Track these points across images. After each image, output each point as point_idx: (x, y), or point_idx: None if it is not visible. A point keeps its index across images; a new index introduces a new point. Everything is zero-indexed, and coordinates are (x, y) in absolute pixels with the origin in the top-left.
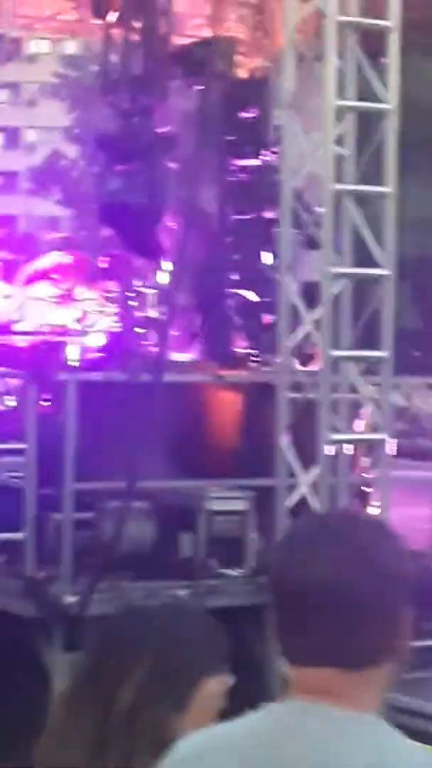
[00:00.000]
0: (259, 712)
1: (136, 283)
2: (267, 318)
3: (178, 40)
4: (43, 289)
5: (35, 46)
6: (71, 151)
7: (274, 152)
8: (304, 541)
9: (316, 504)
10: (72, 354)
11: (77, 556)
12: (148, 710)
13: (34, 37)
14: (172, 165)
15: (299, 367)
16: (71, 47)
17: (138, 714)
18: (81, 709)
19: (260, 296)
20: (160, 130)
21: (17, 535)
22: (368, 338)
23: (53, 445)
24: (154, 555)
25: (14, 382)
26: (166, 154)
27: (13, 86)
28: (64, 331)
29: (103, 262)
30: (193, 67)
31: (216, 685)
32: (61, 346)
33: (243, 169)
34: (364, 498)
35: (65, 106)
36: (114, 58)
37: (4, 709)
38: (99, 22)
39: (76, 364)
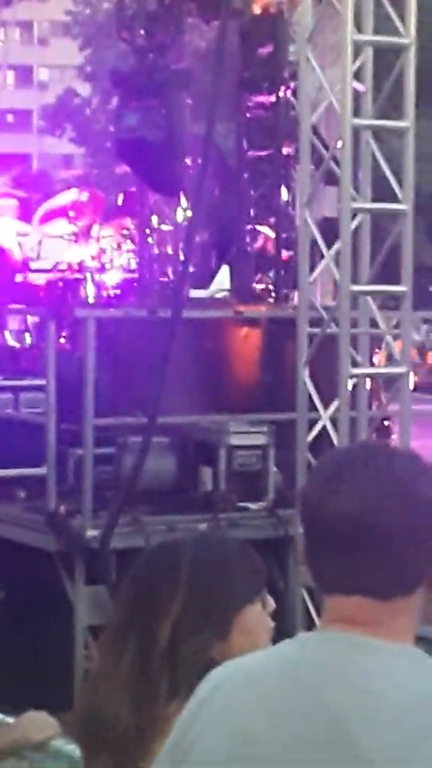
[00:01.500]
0: (291, 641)
1: (152, 219)
2: (285, 254)
3: None
4: (60, 226)
5: None
6: (84, 89)
7: (290, 88)
8: (338, 470)
9: (335, 438)
10: (89, 291)
11: (98, 491)
12: (188, 642)
13: None
14: (189, 101)
15: (318, 303)
16: None
17: (179, 646)
18: (121, 647)
19: (278, 232)
20: (175, 67)
21: (38, 471)
22: (385, 274)
23: (73, 381)
24: (174, 489)
25: (33, 319)
26: (182, 90)
27: (25, 24)
28: (81, 269)
29: (120, 199)
30: (209, 2)
31: (256, 612)
32: (78, 283)
33: (260, 105)
34: (384, 432)
35: (77, 44)
36: None
37: (28, 642)
38: None
39: (94, 300)
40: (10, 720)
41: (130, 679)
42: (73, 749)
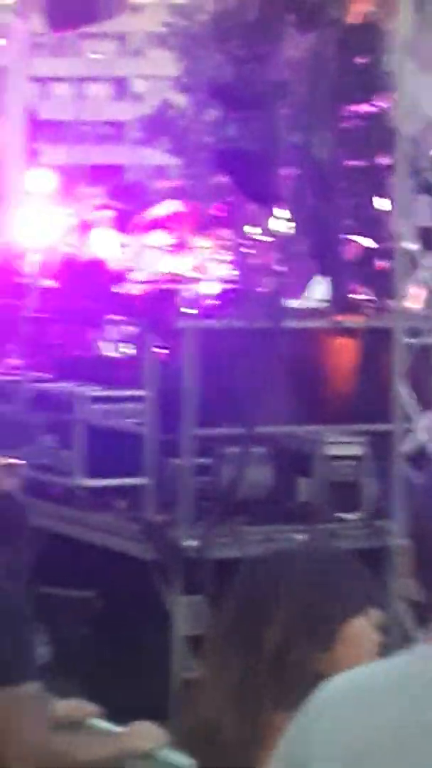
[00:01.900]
0: (405, 654)
1: (250, 230)
2: (382, 263)
3: None
4: (158, 237)
5: None
6: (179, 100)
7: (386, 98)
8: None
9: None
10: (188, 301)
11: (196, 501)
12: (293, 653)
13: None
14: (286, 112)
15: (416, 312)
16: None
17: (284, 657)
18: (226, 657)
19: (375, 242)
20: (273, 78)
21: (138, 480)
22: None
23: (171, 391)
24: (271, 499)
25: (130, 329)
26: (280, 100)
27: (121, 36)
28: (179, 279)
29: (216, 210)
30: (308, 13)
31: (361, 624)
32: (175, 293)
33: (355, 114)
34: None
35: (173, 55)
36: (228, 4)
37: (125, 651)
38: None
39: (193, 311)
40: (117, 729)
41: (235, 690)
42: (180, 758)
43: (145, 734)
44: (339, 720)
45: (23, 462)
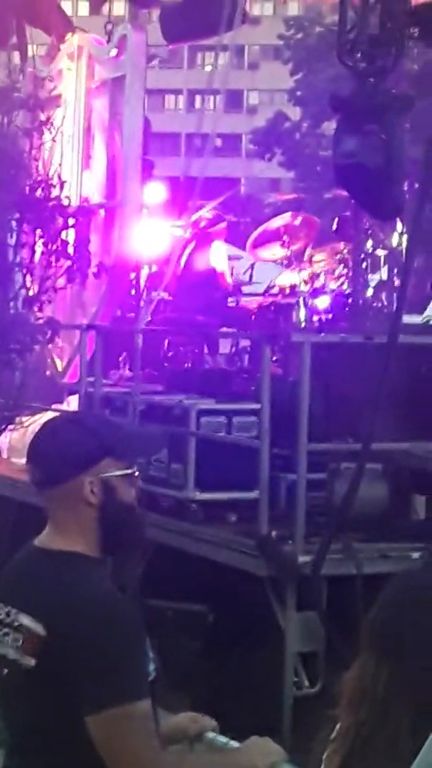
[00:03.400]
0: None
1: (367, 244)
2: None
3: None
4: (273, 250)
5: (259, 8)
6: (294, 113)
7: None
8: None
9: None
10: (301, 315)
11: (309, 517)
12: None
13: None
14: (406, 125)
15: None
16: (294, 8)
17: None
18: (393, 704)
19: None
20: (396, 91)
21: (251, 494)
22: None
23: (285, 405)
24: (386, 517)
25: (244, 342)
26: (403, 114)
27: (236, 49)
28: (294, 293)
29: (333, 224)
30: (430, 26)
31: None
32: (290, 307)
33: None
34: None
35: (288, 68)
36: (351, 17)
37: (237, 666)
38: None
39: (306, 325)
40: (235, 744)
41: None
42: None
43: (263, 750)
44: None
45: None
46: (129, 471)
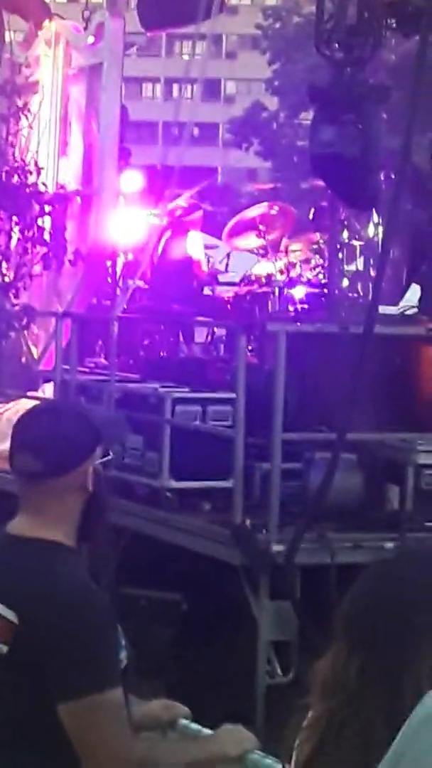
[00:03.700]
0: None
1: (343, 234)
2: None
3: None
4: (250, 240)
5: None
6: (271, 102)
7: None
8: None
9: None
10: (277, 305)
11: (284, 506)
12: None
13: None
14: (384, 116)
15: None
16: None
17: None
18: (367, 695)
19: None
20: (373, 81)
21: (225, 483)
22: None
23: (261, 394)
24: (360, 507)
25: (219, 332)
26: (380, 105)
27: (213, 38)
28: (270, 282)
29: (310, 214)
30: (410, 16)
31: None
32: (266, 296)
33: None
34: None
35: (266, 57)
36: (328, 7)
37: (210, 655)
38: None
39: (281, 314)
40: (208, 731)
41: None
42: (271, 763)
43: (235, 738)
44: None
45: (108, 460)
46: (109, 457)
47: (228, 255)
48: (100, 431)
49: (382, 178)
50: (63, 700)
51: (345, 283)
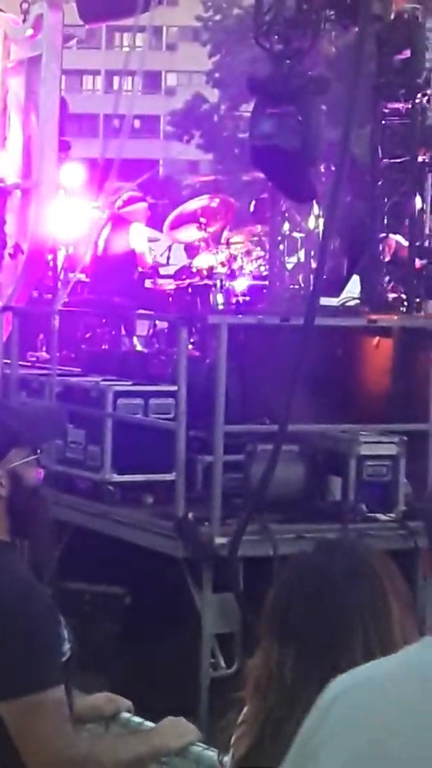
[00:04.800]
0: (415, 645)
1: (284, 226)
2: (419, 262)
3: None
4: (191, 233)
5: None
6: (212, 95)
7: (426, 95)
8: None
9: None
10: (218, 297)
11: (226, 499)
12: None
13: None
14: (324, 108)
15: None
16: None
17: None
18: (301, 689)
19: (412, 240)
20: (312, 73)
21: (167, 476)
22: None
23: (202, 387)
24: (303, 498)
25: (161, 324)
26: (319, 97)
27: (154, 30)
28: (211, 275)
29: (251, 206)
30: (348, 8)
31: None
32: (207, 289)
33: (395, 112)
34: None
35: (206, 50)
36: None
37: (154, 647)
38: None
39: (223, 307)
40: (150, 724)
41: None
42: (213, 755)
43: (177, 731)
44: (353, 709)
45: (44, 454)
46: (33, 457)
47: (169, 248)
48: (18, 433)
49: (322, 170)
50: (3, 699)
51: (286, 275)
